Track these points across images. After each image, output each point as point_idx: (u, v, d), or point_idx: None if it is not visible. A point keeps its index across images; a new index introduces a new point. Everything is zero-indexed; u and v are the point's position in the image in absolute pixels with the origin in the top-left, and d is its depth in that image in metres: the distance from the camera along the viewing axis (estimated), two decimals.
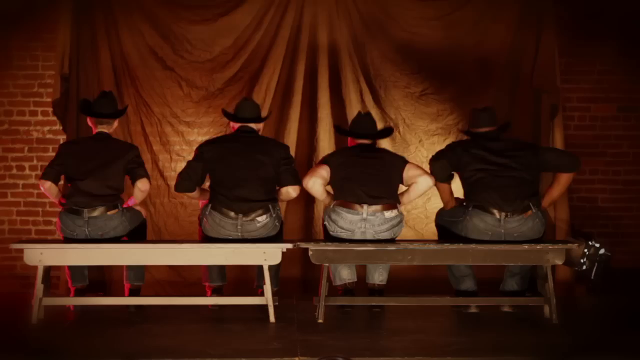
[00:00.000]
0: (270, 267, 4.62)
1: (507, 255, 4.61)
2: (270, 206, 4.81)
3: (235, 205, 4.76)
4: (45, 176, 4.83)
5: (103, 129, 4.93)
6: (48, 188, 4.83)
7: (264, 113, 5.92)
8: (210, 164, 4.83)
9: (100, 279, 5.60)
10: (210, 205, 4.82)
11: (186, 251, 4.62)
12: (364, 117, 5.09)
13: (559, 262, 4.65)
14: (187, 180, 4.83)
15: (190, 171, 4.83)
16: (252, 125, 4.97)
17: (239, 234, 4.78)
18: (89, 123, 4.99)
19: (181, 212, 5.80)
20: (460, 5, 6.00)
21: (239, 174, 4.79)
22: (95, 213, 4.76)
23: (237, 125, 4.98)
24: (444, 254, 4.62)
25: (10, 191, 6.03)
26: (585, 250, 4.46)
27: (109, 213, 4.79)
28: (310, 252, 4.57)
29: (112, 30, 5.83)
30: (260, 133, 5.05)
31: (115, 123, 5.01)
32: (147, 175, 4.89)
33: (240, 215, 4.76)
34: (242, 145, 4.87)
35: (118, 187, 4.87)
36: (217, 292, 4.96)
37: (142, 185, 4.86)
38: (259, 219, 4.78)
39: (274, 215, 4.83)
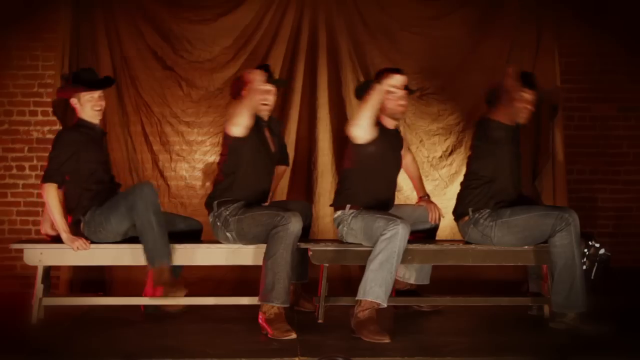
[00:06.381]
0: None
1: (507, 256, 4.60)
2: None
3: None
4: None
5: None
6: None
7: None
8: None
9: (100, 279, 5.61)
10: None
11: (186, 251, 4.62)
12: None
13: None
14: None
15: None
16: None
17: None
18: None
19: (181, 212, 5.79)
20: (460, 5, 6.00)
21: None
22: None
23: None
24: (444, 254, 4.61)
25: (10, 191, 6.02)
26: (585, 250, 4.45)
27: None
28: (310, 252, 4.56)
29: (112, 30, 5.81)
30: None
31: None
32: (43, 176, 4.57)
33: None
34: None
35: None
36: None
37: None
38: None
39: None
